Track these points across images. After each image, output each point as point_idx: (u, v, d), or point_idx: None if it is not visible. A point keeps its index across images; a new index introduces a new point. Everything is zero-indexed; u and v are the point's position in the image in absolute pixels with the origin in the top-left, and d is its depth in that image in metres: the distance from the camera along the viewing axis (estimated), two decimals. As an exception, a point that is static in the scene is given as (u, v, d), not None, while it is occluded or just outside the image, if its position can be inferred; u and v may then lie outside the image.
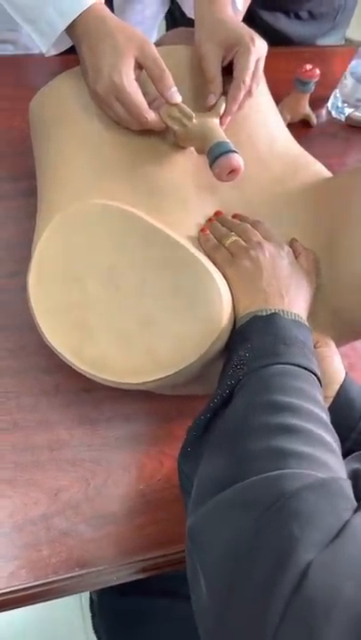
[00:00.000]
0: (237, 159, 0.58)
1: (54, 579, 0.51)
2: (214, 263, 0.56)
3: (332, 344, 0.55)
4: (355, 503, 0.33)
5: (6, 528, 0.53)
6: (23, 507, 0.54)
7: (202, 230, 0.60)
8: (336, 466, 0.37)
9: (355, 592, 0.27)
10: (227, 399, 0.45)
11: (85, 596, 0.96)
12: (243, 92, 0.63)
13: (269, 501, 0.32)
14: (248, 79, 0.62)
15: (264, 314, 0.50)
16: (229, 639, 0.30)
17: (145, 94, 0.60)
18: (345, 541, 0.29)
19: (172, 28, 1.08)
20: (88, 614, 0.81)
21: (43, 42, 0.65)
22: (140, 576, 0.55)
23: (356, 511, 0.32)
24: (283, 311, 0.50)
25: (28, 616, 1.06)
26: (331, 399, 0.52)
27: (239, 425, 0.41)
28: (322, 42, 1.12)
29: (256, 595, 0.29)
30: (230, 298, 0.52)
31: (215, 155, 0.58)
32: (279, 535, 0.30)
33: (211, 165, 0.59)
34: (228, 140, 0.59)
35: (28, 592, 0.51)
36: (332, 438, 0.40)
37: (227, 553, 0.32)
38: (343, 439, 0.46)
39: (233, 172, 0.59)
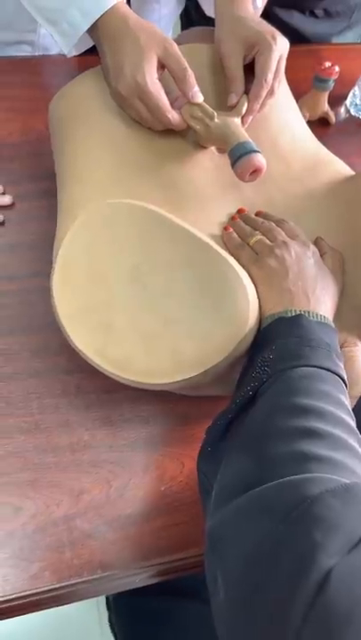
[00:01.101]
0: (260, 159, 0.57)
1: (77, 581, 0.51)
2: (239, 262, 0.55)
3: (360, 343, 0.55)
4: None
5: (29, 530, 0.53)
6: (45, 508, 0.53)
7: (225, 228, 0.60)
8: (360, 470, 0.36)
9: None
10: (249, 401, 0.45)
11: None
12: (265, 91, 0.62)
13: (291, 506, 0.31)
14: (270, 77, 0.62)
15: (289, 315, 0.49)
16: None
17: (167, 93, 0.59)
18: None
19: (187, 27, 1.08)
20: (104, 608, 0.81)
21: (65, 42, 0.65)
22: (161, 579, 0.54)
23: None
24: (308, 312, 0.49)
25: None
26: (356, 399, 0.51)
27: (262, 427, 0.40)
28: (337, 40, 1.11)
29: (277, 600, 0.29)
30: (256, 297, 0.52)
31: (237, 155, 0.58)
32: (301, 541, 0.30)
33: (233, 165, 0.59)
34: (250, 140, 0.59)
35: (52, 594, 0.51)
36: (356, 442, 0.39)
37: (247, 557, 0.32)
38: None
39: (255, 172, 0.58)
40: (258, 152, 0.57)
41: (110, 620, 0.76)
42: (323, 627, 0.27)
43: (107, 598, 0.79)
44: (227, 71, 0.63)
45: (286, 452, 0.36)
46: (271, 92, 0.63)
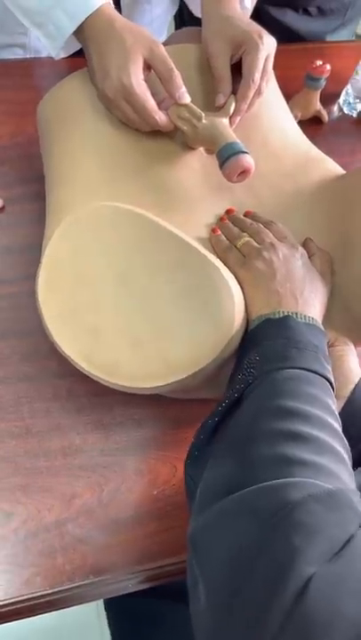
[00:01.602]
0: (248, 160, 0.57)
1: (69, 586, 0.51)
2: (226, 265, 0.55)
3: (350, 343, 0.54)
4: None
5: (20, 535, 0.52)
6: (37, 513, 0.53)
7: (213, 230, 0.59)
8: (345, 476, 0.36)
9: (355, 609, 0.26)
10: (235, 403, 0.45)
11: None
12: (252, 91, 0.62)
13: (273, 510, 0.31)
14: (257, 77, 0.61)
15: (276, 317, 0.49)
16: None
17: (154, 95, 0.59)
18: (349, 555, 0.28)
19: (181, 28, 1.07)
20: (103, 610, 0.80)
21: (52, 45, 0.64)
22: (154, 583, 0.54)
23: None
24: (296, 314, 0.49)
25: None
26: (344, 399, 0.51)
27: (246, 430, 0.40)
28: (331, 38, 1.10)
29: (255, 606, 0.28)
30: (243, 300, 0.52)
31: (225, 156, 0.57)
32: (281, 546, 0.29)
33: (221, 166, 0.58)
34: (238, 141, 0.58)
35: (44, 600, 0.51)
36: (342, 448, 0.39)
37: (227, 561, 0.31)
38: (356, 440, 0.45)
39: (243, 172, 0.58)
40: (246, 153, 0.57)
41: (108, 621, 0.76)
42: (300, 636, 0.26)
43: (104, 599, 0.79)
44: (214, 71, 0.63)
45: (269, 456, 0.36)
46: (259, 92, 0.63)
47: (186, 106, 0.59)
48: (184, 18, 1.10)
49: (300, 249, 0.57)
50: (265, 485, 0.33)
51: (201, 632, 0.32)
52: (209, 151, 0.62)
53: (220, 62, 0.62)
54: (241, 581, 0.29)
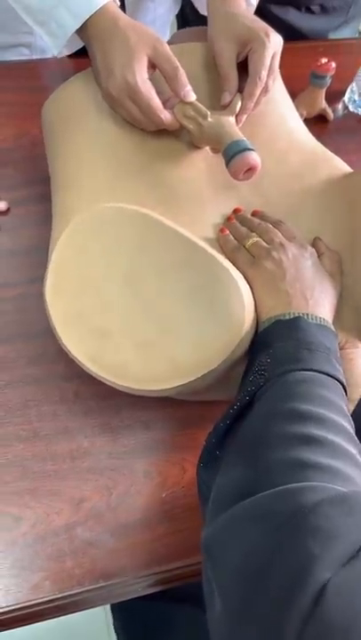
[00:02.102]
0: (254, 157, 0.56)
1: (79, 590, 0.50)
2: (235, 265, 0.54)
3: (360, 345, 0.54)
4: None
5: (29, 539, 0.52)
6: (46, 517, 0.53)
7: (221, 231, 0.59)
8: (358, 479, 0.35)
9: None
10: (247, 406, 0.44)
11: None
12: (259, 89, 0.61)
13: (288, 515, 0.30)
14: (264, 75, 0.61)
15: (287, 317, 0.48)
16: None
17: (159, 93, 0.58)
18: None
19: (184, 27, 1.07)
20: (110, 614, 0.80)
21: (54, 43, 0.64)
22: (164, 587, 0.54)
23: None
24: (307, 314, 0.48)
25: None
26: (355, 403, 0.50)
27: (259, 433, 0.39)
28: (334, 36, 1.10)
29: (271, 613, 0.28)
30: (252, 301, 0.51)
31: (231, 153, 0.57)
32: (296, 551, 0.29)
33: (227, 164, 0.58)
34: (244, 138, 0.58)
35: (53, 604, 0.50)
36: (355, 449, 0.38)
37: (242, 567, 0.31)
38: None
39: (250, 170, 0.57)
40: (252, 150, 0.57)
41: (115, 627, 0.75)
42: None
43: (111, 604, 0.79)
44: (220, 69, 0.63)
45: (283, 460, 0.35)
46: (265, 90, 0.63)
47: (191, 104, 0.59)
48: (186, 17, 1.10)
49: (310, 248, 0.56)
50: (279, 490, 0.33)
51: (217, 637, 0.31)
52: (215, 150, 0.62)
53: (225, 61, 0.62)
54: (257, 588, 0.29)
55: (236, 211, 0.61)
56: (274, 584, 0.28)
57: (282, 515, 0.31)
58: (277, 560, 0.29)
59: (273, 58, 0.61)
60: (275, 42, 0.61)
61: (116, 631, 0.75)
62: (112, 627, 0.77)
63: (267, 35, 0.60)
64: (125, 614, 0.73)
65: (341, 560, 0.28)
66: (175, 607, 0.67)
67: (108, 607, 1.03)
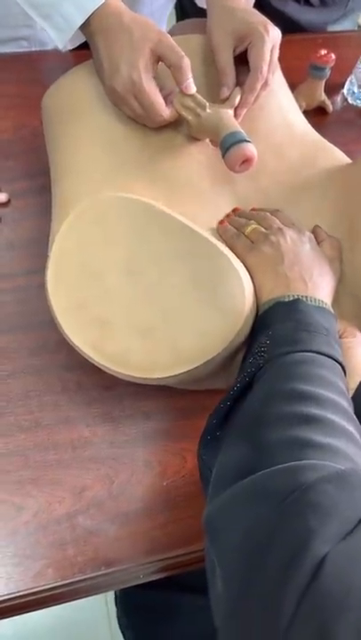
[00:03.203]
0: (250, 149, 0.56)
1: (81, 578, 0.51)
2: (234, 252, 0.55)
3: (359, 335, 0.54)
4: None
5: (31, 528, 0.52)
6: (48, 506, 0.53)
7: (220, 222, 0.59)
8: (358, 457, 0.36)
9: None
10: (247, 387, 0.44)
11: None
12: (260, 83, 0.61)
13: (286, 492, 0.31)
14: (265, 69, 0.61)
15: (286, 300, 0.49)
16: (243, 630, 0.29)
17: (161, 89, 0.59)
18: None
19: (182, 19, 1.07)
20: (112, 601, 0.81)
21: (59, 37, 0.64)
22: (166, 574, 0.54)
23: None
24: (306, 297, 0.49)
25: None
26: (352, 392, 0.50)
27: (258, 414, 0.40)
28: (333, 29, 1.10)
29: (270, 587, 0.28)
30: (252, 288, 0.51)
31: (227, 145, 0.57)
32: (295, 527, 0.29)
33: (223, 156, 0.58)
34: (241, 130, 0.58)
35: (55, 592, 0.51)
36: (354, 429, 0.39)
37: (242, 544, 0.31)
38: None
39: (246, 162, 0.57)
40: (248, 142, 0.57)
41: (119, 618, 0.76)
42: (316, 614, 0.26)
43: (114, 592, 0.79)
44: (217, 64, 0.63)
45: (282, 439, 0.36)
46: (266, 84, 0.63)
47: (191, 95, 0.59)
48: (185, 9, 1.10)
49: (308, 233, 0.57)
50: (278, 468, 0.33)
51: (219, 616, 0.32)
52: (214, 143, 0.62)
53: (223, 55, 0.62)
54: (256, 564, 0.30)
55: (235, 210, 0.62)
56: (273, 560, 0.29)
57: (281, 492, 0.31)
58: (277, 536, 0.30)
59: (272, 51, 0.62)
60: (273, 36, 0.61)
61: (118, 620, 0.76)
62: (112, 617, 0.77)
63: (265, 29, 0.60)
64: (128, 603, 0.73)
65: (339, 535, 0.28)
66: (178, 596, 0.67)
67: (109, 597, 1.04)
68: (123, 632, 0.74)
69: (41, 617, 0.54)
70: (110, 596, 0.96)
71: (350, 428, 0.38)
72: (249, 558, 0.30)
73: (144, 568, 0.53)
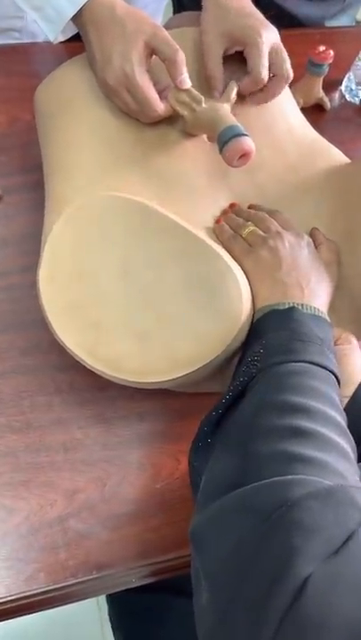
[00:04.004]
0: (248, 142, 0.55)
1: (72, 582, 0.50)
2: (231, 254, 0.54)
3: (354, 341, 0.53)
4: None
5: (23, 531, 0.52)
6: (39, 509, 0.53)
7: (217, 221, 0.58)
8: (348, 472, 0.35)
9: (353, 609, 0.26)
10: (239, 395, 0.44)
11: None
12: (256, 88, 0.60)
13: (272, 508, 0.30)
14: (264, 75, 0.59)
15: (281, 308, 0.48)
16: None
17: (155, 83, 0.57)
18: (348, 554, 0.28)
19: (180, 12, 1.05)
20: (104, 603, 0.80)
21: (50, 29, 0.63)
22: (158, 578, 0.54)
23: None
24: (302, 305, 0.48)
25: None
26: (348, 398, 0.50)
27: (248, 425, 0.39)
28: (330, 24, 1.08)
29: (253, 605, 0.28)
30: (249, 292, 0.51)
31: (225, 139, 0.56)
32: (279, 545, 0.29)
33: (220, 150, 0.57)
34: (238, 124, 0.57)
35: (47, 596, 0.50)
36: (347, 443, 0.38)
37: (228, 558, 0.31)
38: (359, 439, 0.45)
39: (244, 156, 0.56)
40: (246, 135, 0.56)
41: (110, 618, 0.75)
42: (297, 634, 0.26)
43: (106, 596, 0.79)
44: (206, 67, 0.61)
45: (271, 452, 0.35)
46: (287, 78, 0.61)
47: (186, 90, 0.58)
48: (182, 1, 1.08)
49: (306, 237, 0.56)
50: (265, 483, 0.33)
51: (202, 628, 0.32)
52: (211, 138, 0.61)
53: (211, 60, 0.60)
54: (240, 580, 0.29)
55: (232, 206, 0.61)
56: (257, 576, 0.28)
57: (267, 508, 0.31)
58: (261, 553, 0.29)
59: (275, 51, 0.60)
60: (268, 38, 0.60)
61: (111, 624, 0.75)
62: (105, 620, 0.77)
63: (258, 33, 0.59)
64: (121, 606, 0.73)
65: (323, 554, 0.28)
66: (170, 599, 0.67)
67: (101, 600, 1.04)
68: (114, 632, 0.74)
69: (32, 617, 0.54)
70: (102, 596, 0.96)
71: (342, 441, 0.37)
72: (234, 573, 0.30)
73: (136, 572, 0.52)
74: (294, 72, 0.79)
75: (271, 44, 0.60)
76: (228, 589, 0.30)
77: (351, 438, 0.40)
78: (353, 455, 0.38)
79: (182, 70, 0.56)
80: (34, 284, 0.53)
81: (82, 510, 0.53)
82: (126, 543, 0.52)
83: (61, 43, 0.67)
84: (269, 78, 0.61)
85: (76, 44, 0.65)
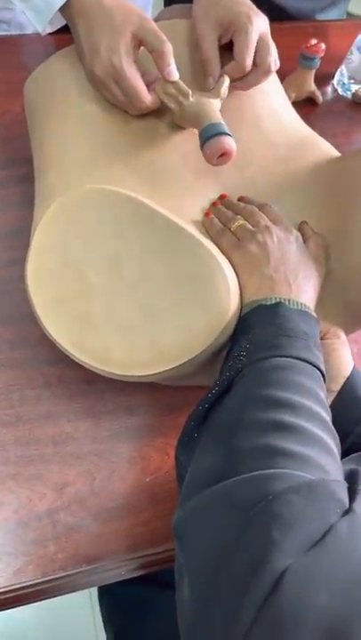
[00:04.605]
0: (229, 142, 0.54)
1: (62, 574, 0.51)
2: (220, 248, 0.54)
3: (342, 335, 0.53)
4: (346, 506, 0.31)
5: (12, 524, 0.52)
6: (28, 502, 0.53)
7: (206, 214, 0.58)
8: (331, 467, 0.35)
9: (328, 602, 0.26)
10: (226, 390, 0.44)
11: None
12: (242, 74, 0.60)
13: (253, 502, 0.30)
14: (249, 61, 0.59)
15: (268, 303, 0.48)
16: (205, 638, 0.29)
17: (143, 74, 0.57)
18: (326, 547, 0.28)
19: (170, 5, 1.04)
20: (96, 598, 0.81)
21: (38, 20, 0.62)
22: (147, 570, 0.54)
23: (344, 515, 0.30)
24: (289, 300, 0.48)
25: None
26: (335, 393, 0.50)
27: (233, 419, 0.39)
28: (321, 17, 1.08)
29: (231, 597, 0.28)
30: (237, 286, 0.51)
31: (206, 136, 0.55)
32: (258, 538, 0.29)
33: (201, 147, 0.56)
34: (222, 122, 0.56)
35: (36, 588, 0.50)
36: (330, 438, 0.38)
37: (208, 552, 0.31)
38: (346, 433, 0.45)
39: (224, 155, 0.55)
40: (227, 135, 0.55)
41: (101, 609, 0.76)
42: (272, 628, 0.26)
43: (97, 587, 0.79)
44: (201, 53, 0.61)
45: (254, 446, 0.35)
46: (268, 71, 0.61)
47: (174, 82, 0.57)
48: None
49: (295, 232, 0.56)
50: (247, 477, 0.32)
51: (183, 622, 0.32)
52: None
53: (207, 44, 0.60)
54: (220, 574, 0.29)
55: (221, 197, 0.60)
56: (236, 570, 0.28)
57: (248, 501, 0.31)
58: (240, 546, 0.29)
59: (262, 40, 0.60)
60: (258, 25, 0.59)
61: (103, 617, 0.76)
62: (96, 608, 0.77)
63: (249, 18, 0.58)
64: (112, 600, 0.73)
65: (301, 548, 0.28)
66: (161, 593, 0.67)
67: (93, 593, 1.04)
68: (104, 624, 0.74)
69: (24, 608, 0.54)
70: (94, 588, 0.96)
71: (325, 436, 0.37)
72: (213, 567, 0.30)
73: (126, 564, 0.52)
74: (286, 65, 0.79)
75: (260, 33, 0.60)
76: (208, 584, 0.29)
77: (336, 434, 0.40)
78: (337, 451, 0.38)
79: (170, 61, 0.56)
80: (22, 278, 0.53)
81: (71, 503, 0.53)
82: (116, 536, 0.52)
83: (50, 35, 0.66)
84: (232, 64, 0.60)
85: (64, 35, 0.65)
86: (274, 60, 0.61)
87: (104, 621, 0.74)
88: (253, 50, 0.59)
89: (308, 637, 0.25)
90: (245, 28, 0.58)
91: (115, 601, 0.73)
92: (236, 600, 0.27)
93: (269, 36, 0.61)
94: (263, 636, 0.26)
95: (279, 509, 0.29)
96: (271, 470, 0.32)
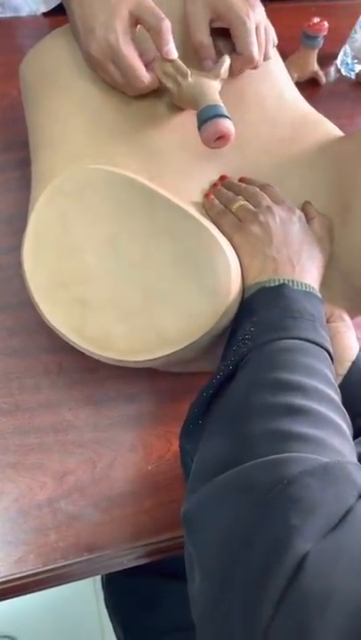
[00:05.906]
0: (227, 125, 0.53)
1: (63, 563, 0.50)
2: (221, 230, 0.52)
3: (347, 318, 0.52)
4: None
5: (12, 513, 0.51)
6: (29, 491, 0.52)
7: (206, 195, 0.57)
8: (344, 449, 0.34)
9: (353, 585, 0.25)
10: (230, 375, 0.43)
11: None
12: (248, 67, 0.58)
13: (268, 487, 0.30)
14: (255, 53, 0.57)
15: (272, 284, 0.47)
16: (222, 626, 0.28)
17: (141, 54, 0.55)
18: (346, 530, 0.27)
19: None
20: (100, 589, 0.81)
21: None
22: (150, 559, 0.53)
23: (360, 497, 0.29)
24: (293, 281, 0.47)
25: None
26: (342, 376, 0.49)
27: (241, 404, 0.38)
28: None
29: (250, 585, 0.27)
30: (239, 269, 0.49)
31: (203, 118, 0.53)
32: (276, 523, 0.28)
33: (199, 129, 0.54)
34: (220, 104, 0.54)
35: (37, 577, 0.50)
36: (342, 419, 0.37)
37: (222, 539, 0.30)
38: (354, 417, 0.44)
39: (221, 138, 0.54)
40: (226, 117, 0.53)
41: (106, 603, 0.76)
42: (296, 613, 0.25)
43: (102, 578, 0.79)
44: (192, 38, 0.58)
45: (265, 430, 0.34)
46: (265, 57, 0.59)
47: (172, 61, 0.55)
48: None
49: (298, 212, 0.54)
50: (260, 461, 0.32)
51: (197, 611, 0.31)
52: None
53: (197, 28, 0.57)
54: (236, 560, 0.28)
55: (222, 178, 0.59)
56: (254, 557, 0.28)
57: (263, 486, 0.30)
58: (258, 533, 0.28)
59: (258, 28, 0.58)
60: (256, 15, 0.57)
61: (107, 607, 0.75)
62: (100, 596, 0.77)
63: (247, 14, 0.56)
64: (116, 590, 0.73)
65: (321, 531, 0.27)
66: (165, 583, 0.67)
67: (97, 583, 1.04)
68: (109, 614, 0.74)
69: (27, 597, 0.54)
70: (97, 577, 0.96)
71: (336, 418, 0.36)
72: (229, 555, 0.29)
73: (128, 553, 0.52)
74: (289, 45, 0.77)
75: (257, 22, 0.58)
76: (224, 572, 0.29)
77: (346, 415, 0.39)
78: (348, 432, 0.37)
79: (168, 39, 0.54)
80: (21, 265, 0.52)
81: (72, 492, 0.52)
82: (118, 525, 0.52)
83: (45, 16, 0.65)
84: (237, 56, 0.58)
85: (59, 17, 0.63)
86: (272, 39, 0.59)
87: (109, 612, 0.73)
88: (255, 40, 0.57)
89: (335, 621, 0.24)
90: (243, 23, 0.56)
91: (119, 588, 0.72)
92: (255, 586, 0.27)
93: (270, 26, 0.59)
94: (288, 621, 0.25)
95: (297, 493, 0.29)
96: (285, 454, 0.32)
